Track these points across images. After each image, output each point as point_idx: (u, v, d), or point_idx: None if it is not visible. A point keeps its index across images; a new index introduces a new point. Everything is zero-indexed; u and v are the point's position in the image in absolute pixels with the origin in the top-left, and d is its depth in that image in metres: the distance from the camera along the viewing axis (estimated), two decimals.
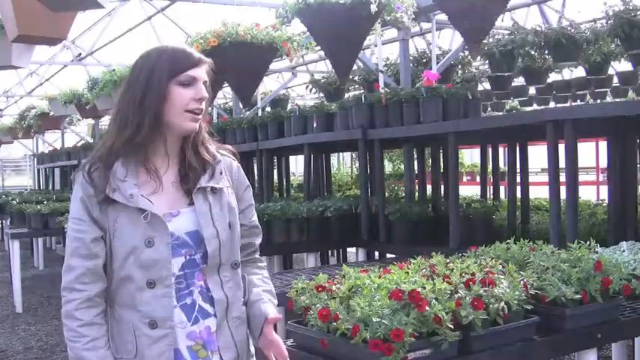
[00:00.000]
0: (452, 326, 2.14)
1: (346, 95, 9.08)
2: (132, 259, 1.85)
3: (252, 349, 2.06)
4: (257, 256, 2.14)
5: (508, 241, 3.12)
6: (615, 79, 9.47)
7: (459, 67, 8.16)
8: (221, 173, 2.00)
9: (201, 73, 1.94)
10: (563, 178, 4.08)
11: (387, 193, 6.62)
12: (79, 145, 15.10)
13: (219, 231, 1.93)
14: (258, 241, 2.12)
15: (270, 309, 1.98)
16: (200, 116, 1.94)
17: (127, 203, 1.86)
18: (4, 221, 12.69)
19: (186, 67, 1.92)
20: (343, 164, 19.12)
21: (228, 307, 1.94)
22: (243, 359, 1.98)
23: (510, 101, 11.76)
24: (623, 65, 8.59)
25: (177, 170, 1.99)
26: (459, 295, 2.26)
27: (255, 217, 2.11)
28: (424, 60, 8.00)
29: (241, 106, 9.03)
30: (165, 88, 1.90)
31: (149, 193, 1.90)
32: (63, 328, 1.90)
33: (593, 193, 12.23)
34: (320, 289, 2.38)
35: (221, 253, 1.94)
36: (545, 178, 4.72)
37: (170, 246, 1.88)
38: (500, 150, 8.24)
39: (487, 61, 7.42)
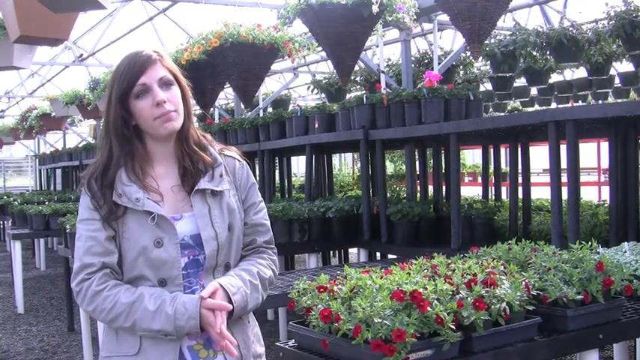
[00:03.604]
0: (453, 327, 2.14)
1: (348, 96, 9.08)
2: (141, 260, 1.87)
3: (260, 349, 2.06)
4: (264, 250, 2.09)
5: (510, 241, 3.11)
6: (617, 80, 9.47)
7: (461, 67, 8.18)
8: (221, 176, 2.00)
9: (151, 75, 1.92)
10: (564, 178, 4.08)
11: (388, 194, 6.61)
12: (80, 145, 15.11)
13: (219, 233, 1.93)
14: (263, 238, 2.08)
15: (222, 280, 1.89)
16: (171, 115, 1.92)
17: (134, 207, 1.88)
18: (5, 222, 12.70)
19: (134, 79, 1.90)
20: (345, 165, 19.13)
21: None
22: (248, 359, 1.98)
23: (512, 102, 11.78)
24: (625, 66, 8.59)
25: (177, 173, 2.00)
26: (461, 295, 2.26)
27: (259, 216, 2.08)
28: (426, 61, 8.02)
29: (243, 106, 9.04)
30: (124, 110, 1.92)
31: (152, 198, 1.92)
32: (97, 316, 1.87)
33: (595, 193, 12.23)
34: (321, 289, 2.37)
35: (218, 255, 1.94)
36: (546, 178, 4.72)
37: (179, 246, 1.89)
38: (502, 150, 8.23)
39: (489, 62, 7.42)
